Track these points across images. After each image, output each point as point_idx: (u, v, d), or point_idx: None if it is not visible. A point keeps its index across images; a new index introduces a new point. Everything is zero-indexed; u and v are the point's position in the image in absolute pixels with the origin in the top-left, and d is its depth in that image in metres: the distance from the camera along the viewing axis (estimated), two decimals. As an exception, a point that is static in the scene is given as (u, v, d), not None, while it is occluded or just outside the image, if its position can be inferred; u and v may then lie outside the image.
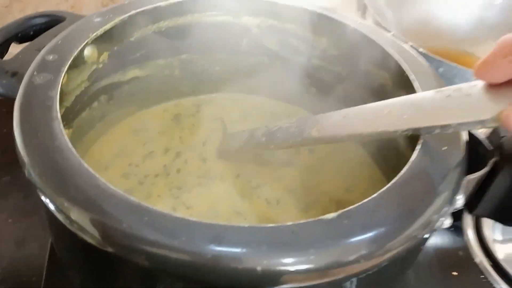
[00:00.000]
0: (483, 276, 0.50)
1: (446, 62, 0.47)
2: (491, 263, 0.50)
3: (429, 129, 0.23)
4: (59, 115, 0.23)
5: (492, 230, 0.53)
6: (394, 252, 0.20)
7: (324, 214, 0.33)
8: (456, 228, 0.54)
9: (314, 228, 0.19)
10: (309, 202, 0.35)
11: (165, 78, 0.39)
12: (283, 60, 0.39)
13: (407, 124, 0.24)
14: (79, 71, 0.31)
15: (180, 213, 0.20)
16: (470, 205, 0.27)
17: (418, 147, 0.24)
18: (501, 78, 0.21)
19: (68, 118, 0.32)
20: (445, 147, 0.24)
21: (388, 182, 0.35)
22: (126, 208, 0.19)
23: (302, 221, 0.19)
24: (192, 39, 0.38)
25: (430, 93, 0.24)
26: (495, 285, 0.49)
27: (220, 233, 0.19)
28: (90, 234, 0.20)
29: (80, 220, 0.20)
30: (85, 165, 0.21)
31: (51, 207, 0.21)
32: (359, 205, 0.20)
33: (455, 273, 0.51)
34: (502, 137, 0.25)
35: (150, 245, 0.19)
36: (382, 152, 0.36)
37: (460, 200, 0.24)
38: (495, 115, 0.20)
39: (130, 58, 0.36)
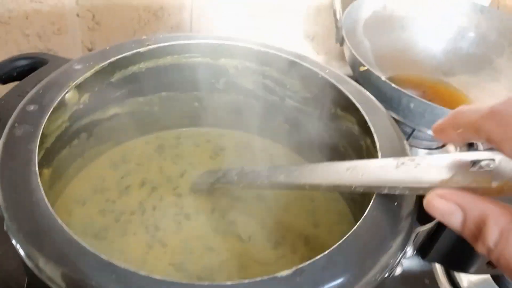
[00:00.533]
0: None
1: (416, 98, 0.49)
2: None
3: (379, 189, 0.26)
4: (37, 169, 0.24)
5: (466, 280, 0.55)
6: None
7: (292, 250, 0.35)
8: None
9: (269, 285, 0.21)
10: (279, 238, 0.36)
11: (145, 113, 0.41)
12: (258, 98, 0.41)
13: (361, 182, 0.26)
14: (60, 113, 0.33)
15: (147, 270, 0.21)
16: (423, 252, 0.29)
17: (371, 203, 0.26)
18: (452, 142, 0.23)
19: (48, 158, 0.33)
20: (396, 203, 0.26)
21: (354, 216, 0.37)
22: (97, 265, 0.21)
23: (258, 279, 0.21)
24: (171, 78, 0.40)
25: (389, 160, 0.26)
26: None
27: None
28: (59, 286, 0.21)
29: (52, 274, 0.21)
30: (60, 221, 0.23)
31: (27, 260, 0.22)
32: (311, 262, 0.22)
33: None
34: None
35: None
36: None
37: (409, 251, 0.26)
38: (431, 186, 0.23)
39: (110, 97, 0.37)
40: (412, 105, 0.49)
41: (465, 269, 0.28)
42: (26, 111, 0.28)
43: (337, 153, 0.38)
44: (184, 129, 0.44)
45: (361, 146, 0.35)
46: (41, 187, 0.24)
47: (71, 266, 0.21)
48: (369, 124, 0.32)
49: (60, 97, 0.29)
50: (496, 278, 0.53)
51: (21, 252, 0.22)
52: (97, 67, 0.32)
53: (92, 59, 0.33)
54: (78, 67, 0.32)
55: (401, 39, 0.68)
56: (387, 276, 0.26)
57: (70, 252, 0.21)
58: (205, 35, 0.38)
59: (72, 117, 0.35)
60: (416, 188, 0.24)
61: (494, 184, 0.21)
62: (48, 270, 0.21)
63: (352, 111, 0.34)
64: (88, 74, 0.32)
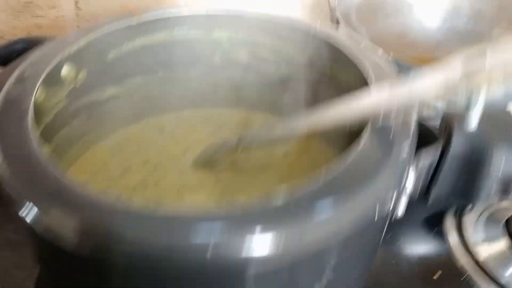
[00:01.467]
0: (464, 278, 0.50)
1: (415, 66, 0.49)
2: (473, 264, 0.51)
3: (375, 114, 0.25)
4: (30, 124, 0.25)
5: (474, 231, 0.54)
6: (342, 233, 0.21)
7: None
8: (439, 233, 0.55)
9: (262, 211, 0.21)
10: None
11: (144, 95, 0.41)
12: (254, 71, 0.41)
13: (357, 112, 0.26)
14: (58, 89, 0.33)
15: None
16: (425, 195, 0.28)
17: (366, 130, 0.25)
18: None
19: (47, 135, 0.33)
20: (394, 130, 0.26)
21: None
22: (101, 206, 0.21)
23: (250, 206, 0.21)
24: (166, 56, 0.40)
25: (382, 86, 0.26)
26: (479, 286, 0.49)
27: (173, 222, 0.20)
28: (67, 238, 0.21)
29: (56, 224, 0.21)
30: (56, 167, 0.23)
31: (28, 217, 0.22)
32: (306, 188, 0.22)
33: (436, 277, 0.51)
34: (448, 123, 0.27)
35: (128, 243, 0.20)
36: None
37: (409, 185, 0.25)
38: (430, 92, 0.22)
39: (107, 77, 0.38)
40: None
41: (472, 202, 0.27)
42: (20, 77, 0.28)
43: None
44: (183, 111, 0.44)
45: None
46: (36, 141, 0.24)
47: (74, 210, 0.21)
48: (369, 74, 0.31)
49: (54, 63, 0.30)
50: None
51: (22, 210, 0.22)
52: (91, 37, 0.33)
53: (86, 31, 0.33)
54: (72, 38, 0.32)
55: (396, 23, 0.69)
56: (390, 216, 0.25)
57: (70, 195, 0.21)
58: (196, 8, 0.39)
59: (70, 95, 0.35)
60: (411, 104, 0.24)
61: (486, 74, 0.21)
62: (55, 221, 0.21)
63: (350, 68, 0.34)
64: (82, 43, 0.32)
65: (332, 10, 0.58)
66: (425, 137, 0.27)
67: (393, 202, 0.24)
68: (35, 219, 0.21)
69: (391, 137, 0.25)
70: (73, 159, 0.38)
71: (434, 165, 0.27)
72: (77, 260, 0.22)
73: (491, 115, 0.27)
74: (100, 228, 0.20)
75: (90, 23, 0.35)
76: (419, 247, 0.54)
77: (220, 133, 0.42)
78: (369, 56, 0.34)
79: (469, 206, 0.55)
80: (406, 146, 0.25)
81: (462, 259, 0.51)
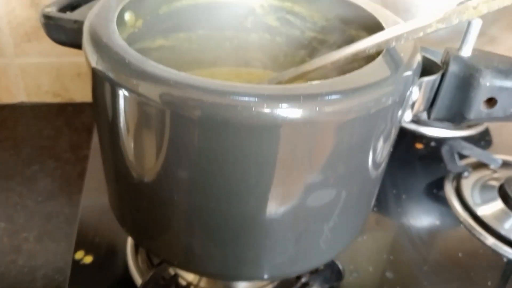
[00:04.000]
0: (466, 231, 0.56)
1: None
2: (475, 222, 0.57)
3: (388, 42, 0.31)
4: (116, 28, 0.31)
5: (471, 195, 0.60)
6: (357, 112, 0.27)
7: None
8: (439, 196, 0.61)
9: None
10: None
11: (185, 49, 0.47)
12: (282, 35, 0.48)
13: (373, 43, 0.32)
14: (121, 31, 0.40)
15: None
16: (428, 111, 0.34)
17: (380, 55, 0.32)
18: None
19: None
20: (403, 56, 0.32)
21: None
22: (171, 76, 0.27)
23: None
24: (207, 16, 0.47)
25: (393, 27, 0.33)
26: (478, 236, 0.55)
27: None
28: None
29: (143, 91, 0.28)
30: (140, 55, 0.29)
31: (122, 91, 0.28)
32: (332, 79, 0.28)
33: (443, 234, 0.57)
34: (447, 53, 0.34)
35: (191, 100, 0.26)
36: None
37: (415, 93, 0.32)
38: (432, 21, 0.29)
39: (158, 28, 0.44)
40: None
41: (465, 117, 0.33)
42: (101, 7, 0.35)
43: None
44: (217, 68, 0.50)
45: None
46: (120, 37, 0.30)
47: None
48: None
49: (121, 7, 0.37)
50: (510, 205, 0.57)
51: (112, 81, 0.28)
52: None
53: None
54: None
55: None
56: (400, 116, 0.32)
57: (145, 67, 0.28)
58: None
59: (129, 38, 0.41)
60: (417, 30, 0.30)
61: (473, 6, 0.27)
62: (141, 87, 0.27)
63: (368, 25, 0.40)
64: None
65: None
66: (430, 67, 0.34)
67: (400, 106, 0.30)
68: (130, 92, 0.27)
69: (400, 61, 0.32)
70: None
71: (437, 84, 0.33)
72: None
73: (480, 51, 0.34)
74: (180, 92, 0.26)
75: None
76: (422, 207, 0.60)
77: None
78: (389, 17, 0.41)
79: (465, 173, 0.61)
80: (412, 67, 0.31)
81: (463, 215, 0.57)
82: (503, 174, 0.61)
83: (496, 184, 0.60)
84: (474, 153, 0.63)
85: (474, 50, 0.33)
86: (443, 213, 0.57)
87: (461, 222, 0.56)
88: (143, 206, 0.36)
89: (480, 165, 0.63)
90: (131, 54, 0.29)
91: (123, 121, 0.30)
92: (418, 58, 0.33)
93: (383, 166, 0.36)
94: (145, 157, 0.32)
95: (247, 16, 0.48)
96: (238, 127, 0.27)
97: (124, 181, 0.36)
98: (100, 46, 0.30)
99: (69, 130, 0.76)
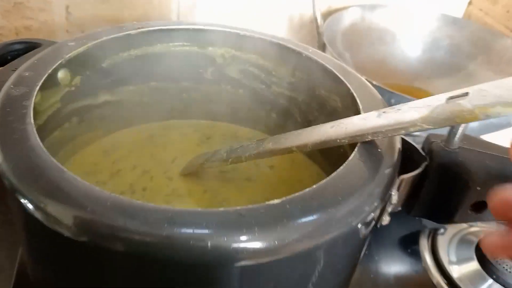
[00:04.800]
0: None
1: (397, 93, 0.51)
2: (447, 283, 0.53)
3: (363, 137, 0.27)
4: (32, 120, 0.25)
5: (447, 253, 0.56)
6: (330, 234, 0.22)
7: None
8: (414, 251, 0.57)
9: (259, 210, 0.22)
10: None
11: (135, 103, 0.42)
12: (245, 88, 0.43)
13: (346, 134, 0.27)
14: (52, 92, 0.34)
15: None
16: (408, 207, 0.30)
17: (355, 150, 0.27)
18: None
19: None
20: (380, 150, 0.27)
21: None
22: (92, 196, 0.22)
23: (249, 206, 0.22)
24: (160, 67, 0.41)
25: (371, 112, 0.27)
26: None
27: (174, 215, 0.21)
28: (63, 223, 0.21)
29: (54, 211, 0.22)
30: (55, 161, 0.23)
31: (28, 204, 0.22)
32: (300, 194, 0.23)
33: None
34: (432, 142, 0.29)
35: (117, 230, 0.21)
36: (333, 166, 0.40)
37: (394, 197, 0.27)
38: (412, 123, 0.24)
39: (101, 83, 0.38)
40: (393, 101, 0.51)
41: (450, 219, 0.29)
42: (22, 76, 0.29)
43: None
44: (173, 120, 0.45)
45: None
46: (36, 134, 0.24)
47: (69, 200, 0.22)
48: (356, 97, 0.33)
49: (54, 66, 0.30)
50: (486, 268, 0.54)
51: (20, 198, 0.22)
52: (90, 44, 0.34)
53: (85, 38, 0.34)
54: (72, 43, 0.33)
55: (380, 50, 0.72)
56: (375, 223, 0.27)
57: (67, 187, 0.22)
58: (192, 21, 0.40)
59: (64, 99, 0.36)
60: (398, 129, 0.25)
61: (468, 110, 0.22)
62: (50, 208, 0.22)
63: (338, 88, 0.35)
64: (81, 49, 0.33)
65: (319, 34, 0.60)
66: (410, 153, 0.29)
67: (377, 212, 0.25)
68: (36, 209, 0.22)
69: (377, 155, 0.27)
70: (62, 161, 0.38)
71: (417, 179, 0.28)
72: (76, 246, 0.22)
73: (469, 139, 0.29)
74: (103, 218, 0.21)
75: (86, 32, 0.36)
76: (395, 265, 0.56)
77: (208, 144, 0.43)
78: (358, 81, 0.36)
79: (441, 230, 0.58)
80: (391, 163, 0.27)
81: (437, 277, 0.53)
82: (481, 227, 0.58)
83: (474, 239, 0.56)
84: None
85: (461, 139, 0.29)
86: (417, 272, 0.53)
87: (434, 285, 0.52)
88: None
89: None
90: (45, 161, 0.23)
91: (31, 240, 0.25)
92: (398, 147, 0.28)
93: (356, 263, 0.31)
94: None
95: (207, 66, 0.42)
96: (182, 265, 0.21)
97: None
98: (7, 142, 0.24)
99: None
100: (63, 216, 0.21)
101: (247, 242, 0.21)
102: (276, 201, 0.22)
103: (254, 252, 0.21)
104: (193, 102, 0.44)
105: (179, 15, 0.63)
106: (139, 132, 0.43)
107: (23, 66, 0.30)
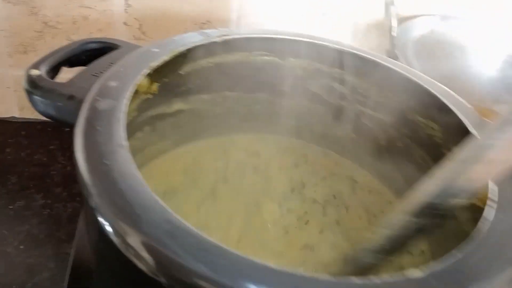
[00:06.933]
0: None
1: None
2: None
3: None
4: (126, 142, 0.22)
5: None
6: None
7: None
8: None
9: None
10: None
11: (207, 113, 0.39)
12: (325, 104, 0.39)
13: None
14: (131, 100, 0.31)
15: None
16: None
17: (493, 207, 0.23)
18: None
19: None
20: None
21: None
22: (186, 242, 0.19)
23: (386, 279, 0.18)
24: (237, 77, 0.38)
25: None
26: None
27: (269, 276, 0.18)
28: (145, 261, 0.19)
29: (140, 250, 0.19)
30: (153, 195, 0.20)
31: (112, 235, 0.20)
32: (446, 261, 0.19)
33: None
34: None
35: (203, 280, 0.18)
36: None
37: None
38: None
39: (177, 91, 0.36)
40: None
41: None
42: (108, 86, 0.26)
43: (415, 164, 0.35)
44: (247, 134, 0.42)
45: (444, 154, 0.32)
46: (132, 159, 0.22)
47: (161, 243, 0.19)
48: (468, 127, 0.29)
49: (141, 75, 0.28)
50: None
51: (110, 229, 0.20)
52: (176, 52, 0.31)
53: (168, 44, 0.32)
54: (155, 50, 0.30)
55: (448, 65, 0.67)
56: None
57: (162, 228, 0.19)
58: (273, 30, 0.37)
59: (140, 107, 0.33)
60: None
61: None
62: (138, 246, 0.19)
63: (439, 115, 0.32)
64: (167, 57, 0.30)
65: (392, 45, 0.56)
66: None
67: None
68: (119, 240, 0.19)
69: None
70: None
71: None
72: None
73: None
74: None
75: (168, 38, 0.33)
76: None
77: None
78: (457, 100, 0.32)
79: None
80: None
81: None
82: None
83: None
84: None
85: None
86: None
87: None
88: None
89: None
90: (144, 199, 0.20)
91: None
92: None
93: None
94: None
95: (286, 78, 0.39)
96: None
97: None
98: (99, 176, 0.21)
99: (63, 157, 0.68)
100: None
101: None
102: (418, 273, 0.18)
103: None
104: (266, 115, 0.41)
105: (240, 17, 0.60)
106: (211, 145, 0.40)
107: (107, 75, 0.27)
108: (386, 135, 0.37)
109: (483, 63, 0.68)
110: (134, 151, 0.35)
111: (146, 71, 0.29)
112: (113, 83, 0.26)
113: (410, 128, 0.35)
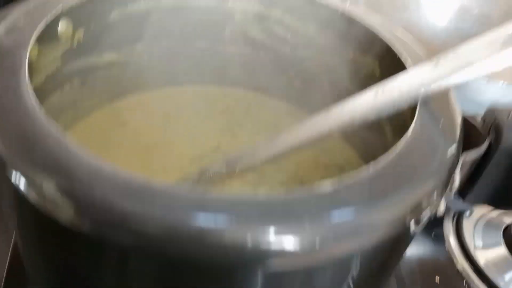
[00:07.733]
0: (465, 282, 0.49)
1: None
2: (473, 269, 0.49)
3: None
4: (27, 77, 0.21)
5: (473, 236, 0.53)
6: (394, 228, 0.18)
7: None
8: (438, 236, 0.53)
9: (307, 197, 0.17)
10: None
11: (144, 65, 0.37)
12: (267, 50, 0.38)
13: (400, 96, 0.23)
14: (52, 47, 0.29)
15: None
16: (463, 191, 0.26)
17: (412, 125, 0.22)
18: None
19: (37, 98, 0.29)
20: (440, 122, 0.23)
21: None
22: (101, 176, 0.17)
23: (297, 193, 0.18)
24: (173, 26, 0.36)
25: (421, 63, 0.24)
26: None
27: (203, 203, 0.17)
28: (63, 207, 0.17)
29: (50, 191, 0.18)
30: (56, 127, 0.19)
31: (19, 180, 0.18)
32: (355, 177, 0.19)
33: (437, 281, 0.51)
34: (497, 116, 0.25)
35: (129, 218, 0.17)
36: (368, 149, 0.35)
37: (457, 180, 0.23)
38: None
39: (107, 40, 0.34)
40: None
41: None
42: (15, 23, 0.24)
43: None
44: (185, 86, 0.40)
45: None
46: (31, 92, 0.20)
47: (70, 178, 0.17)
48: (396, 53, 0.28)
49: (54, 14, 0.26)
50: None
51: (12, 172, 0.18)
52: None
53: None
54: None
55: (403, 18, 0.67)
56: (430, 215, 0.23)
57: (67, 162, 0.18)
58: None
59: (64, 56, 0.31)
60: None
61: None
62: (47, 187, 0.17)
63: (380, 49, 0.31)
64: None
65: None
66: (467, 131, 0.25)
67: (440, 198, 0.21)
68: (29, 189, 0.17)
69: (437, 129, 0.22)
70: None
71: (478, 161, 0.24)
72: (73, 235, 0.18)
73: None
74: (112, 205, 0.16)
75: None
76: (419, 250, 0.53)
77: (224, 115, 0.39)
78: (401, 39, 0.32)
79: (467, 212, 0.54)
80: (455, 138, 0.22)
81: (461, 263, 0.50)
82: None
83: (501, 222, 0.52)
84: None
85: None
86: (440, 258, 0.50)
87: (459, 271, 0.49)
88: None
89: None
90: (43, 127, 0.19)
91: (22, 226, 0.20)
92: (459, 118, 0.24)
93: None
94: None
95: (225, 24, 0.37)
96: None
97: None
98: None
99: None
100: (60, 197, 0.17)
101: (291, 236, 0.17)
102: (326, 185, 0.18)
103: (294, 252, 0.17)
104: (207, 65, 0.40)
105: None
106: (146, 99, 0.38)
107: (17, 12, 0.25)
108: (330, 79, 0.36)
109: (438, 15, 0.68)
110: (65, 106, 0.34)
111: (62, 10, 0.27)
112: (21, 21, 0.24)
113: (352, 68, 0.34)
